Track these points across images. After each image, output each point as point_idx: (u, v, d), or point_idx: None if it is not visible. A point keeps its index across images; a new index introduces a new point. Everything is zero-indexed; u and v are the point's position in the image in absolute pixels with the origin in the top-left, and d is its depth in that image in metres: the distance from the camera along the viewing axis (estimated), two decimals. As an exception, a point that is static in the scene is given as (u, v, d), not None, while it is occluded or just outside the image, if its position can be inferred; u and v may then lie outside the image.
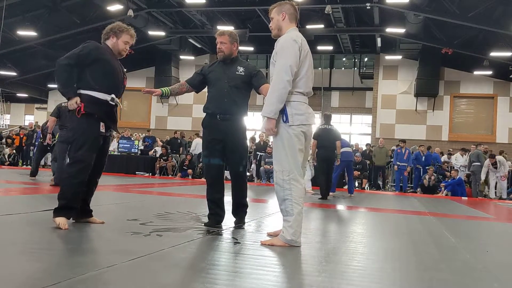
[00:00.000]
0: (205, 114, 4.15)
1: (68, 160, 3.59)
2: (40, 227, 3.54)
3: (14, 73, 23.69)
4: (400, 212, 7.09)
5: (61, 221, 3.45)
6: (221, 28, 19.70)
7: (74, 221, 3.68)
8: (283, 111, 3.27)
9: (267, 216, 5.18)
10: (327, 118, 8.81)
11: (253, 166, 15.11)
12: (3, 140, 17.87)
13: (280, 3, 3.52)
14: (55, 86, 28.52)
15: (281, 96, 3.20)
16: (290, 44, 3.28)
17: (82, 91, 3.59)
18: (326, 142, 8.47)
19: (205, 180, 4.24)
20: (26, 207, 4.96)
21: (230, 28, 19.81)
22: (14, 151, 17.29)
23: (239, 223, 4.18)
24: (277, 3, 3.53)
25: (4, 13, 15.98)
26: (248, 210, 4.34)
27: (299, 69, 3.30)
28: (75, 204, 3.55)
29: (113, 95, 3.68)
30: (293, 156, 3.25)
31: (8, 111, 29.00)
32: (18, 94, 27.12)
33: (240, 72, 4.08)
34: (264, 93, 3.89)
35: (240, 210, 4.24)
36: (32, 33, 19.28)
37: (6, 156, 16.96)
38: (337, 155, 8.66)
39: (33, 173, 9.51)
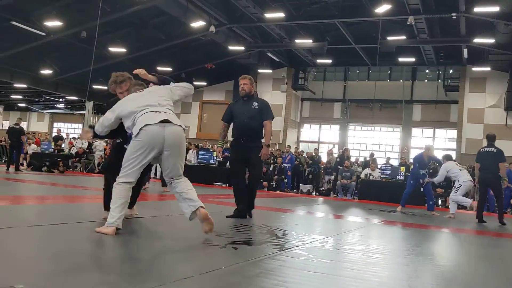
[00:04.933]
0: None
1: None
2: (101, 238, 3.46)
3: (105, 87, 25.33)
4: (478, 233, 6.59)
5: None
6: (299, 41, 19.78)
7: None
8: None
9: (345, 232, 5.03)
10: (488, 139, 8.77)
11: (329, 179, 14.88)
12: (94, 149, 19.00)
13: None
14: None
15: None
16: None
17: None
18: (485, 164, 8.51)
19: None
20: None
21: (309, 41, 19.81)
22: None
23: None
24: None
25: (98, 31, 17.15)
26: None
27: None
28: None
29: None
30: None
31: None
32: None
33: (255, 106, 5.49)
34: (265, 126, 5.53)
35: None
36: (121, 50, 20.54)
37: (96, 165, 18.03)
38: (502, 178, 8.61)
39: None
